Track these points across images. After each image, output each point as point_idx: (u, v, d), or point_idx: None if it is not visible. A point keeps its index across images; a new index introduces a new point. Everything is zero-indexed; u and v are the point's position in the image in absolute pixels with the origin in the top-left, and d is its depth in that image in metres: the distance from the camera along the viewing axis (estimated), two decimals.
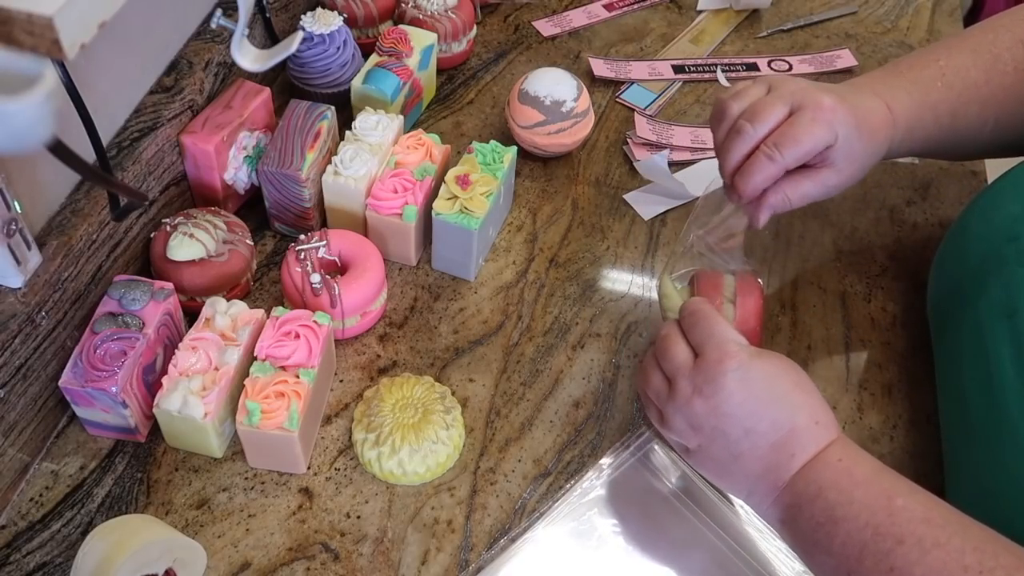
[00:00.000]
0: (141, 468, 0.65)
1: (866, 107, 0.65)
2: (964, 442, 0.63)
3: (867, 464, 0.54)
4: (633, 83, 0.97)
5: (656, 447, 0.68)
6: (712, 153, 0.90)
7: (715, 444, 0.56)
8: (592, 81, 0.96)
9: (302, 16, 0.84)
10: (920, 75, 0.69)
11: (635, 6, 1.06)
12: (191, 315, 0.68)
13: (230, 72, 0.80)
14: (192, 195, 0.79)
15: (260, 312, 0.67)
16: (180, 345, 0.64)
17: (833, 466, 0.53)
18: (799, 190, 0.65)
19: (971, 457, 0.62)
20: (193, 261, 0.70)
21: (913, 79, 0.69)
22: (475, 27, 0.96)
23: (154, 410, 0.63)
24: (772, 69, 0.99)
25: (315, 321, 0.66)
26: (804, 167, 0.65)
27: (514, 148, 0.79)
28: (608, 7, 1.06)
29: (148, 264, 0.73)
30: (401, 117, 0.80)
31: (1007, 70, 0.68)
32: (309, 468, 0.66)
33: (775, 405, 0.55)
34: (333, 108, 0.79)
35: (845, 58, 1.00)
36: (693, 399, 0.56)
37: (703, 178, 0.87)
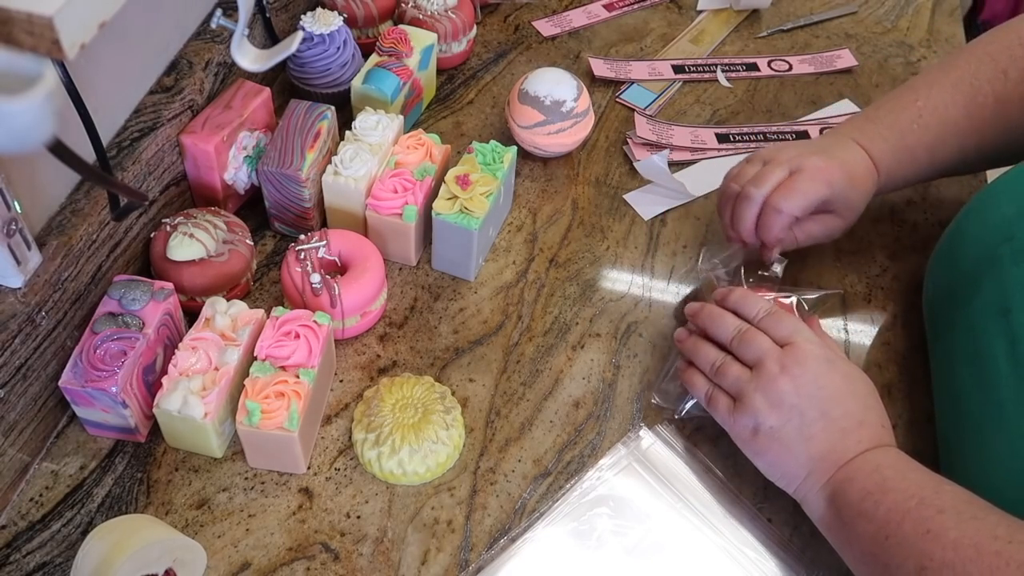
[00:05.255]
0: (141, 468, 0.65)
1: (852, 160, 0.72)
2: (959, 439, 0.64)
3: (920, 464, 0.58)
4: (633, 83, 0.97)
5: (656, 447, 0.68)
6: (712, 154, 0.90)
7: (790, 423, 0.60)
8: (592, 81, 0.96)
9: (302, 16, 0.84)
10: (897, 119, 0.74)
11: (635, 6, 1.06)
12: (191, 315, 0.68)
13: (230, 72, 0.80)
14: (192, 195, 0.79)
15: (260, 312, 0.67)
16: (180, 345, 0.64)
17: (892, 454, 0.59)
18: (804, 230, 0.73)
19: (966, 454, 0.62)
20: (193, 261, 0.70)
21: (890, 124, 0.74)
22: (475, 27, 0.96)
23: (154, 410, 0.63)
24: (772, 69, 0.99)
25: (315, 321, 0.66)
26: (809, 215, 0.72)
27: (514, 148, 0.79)
28: (608, 7, 1.06)
29: (148, 264, 0.73)
30: (401, 117, 0.80)
31: (986, 102, 0.71)
32: (309, 468, 0.66)
33: (850, 398, 0.60)
34: (333, 108, 0.79)
35: (845, 58, 1.00)
36: (779, 377, 0.60)
37: (703, 178, 0.88)
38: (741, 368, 0.63)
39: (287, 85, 0.89)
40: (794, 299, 0.72)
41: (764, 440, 0.61)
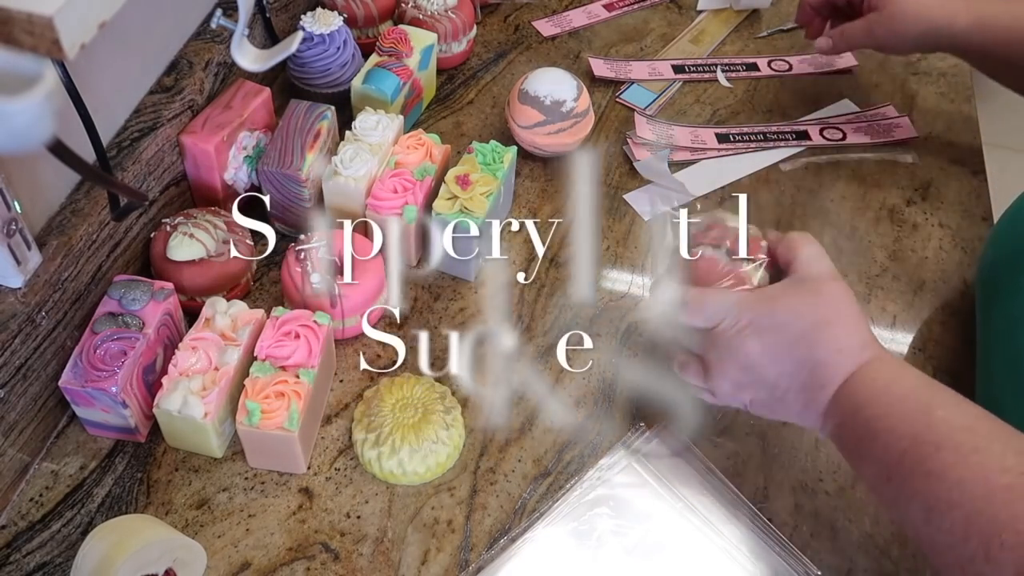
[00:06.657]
0: (141, 468, 0.65)
1: None
2: (1016, 402, 0.63)
3: (908, 380, 0.55)
4: (633, 83, 0.97)
5: (656, 447, 0.68)
6: (712, 154, 0.90)
7: (760, 394, 0.59)
8: (592, 81, 0.96)
9: (302, 16, 0.84)
10: None
11: (635, 6, 1.06)
12: (191, 315, 0.68)
13: (230, 72, 0.80)
14: (192, 195, 0.79)
15: (260, 312, 0.67)
16: (180, 345, 0.64)
17: (869, 385, 0.55)
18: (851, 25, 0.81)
19: None
20: (193, 261, 0.70)
21: None
22: (475, 27, 0.96)
23: (154, 410, 0.63)
24: (772, 69, 0.99)
25: (315, 321, 0.66)
26: None
27: (514, 148, 0.79)
28: (608, 7, 1.06)
29: (148, 264, 0.73)
30: (401, 117, 0.80)
31: None
32: (309, 468, 0.66)
33: (793, 347, 0.57)
34: (333, 108, 0.79)
35: (845, 58, 1.00)
36: (725, 366, 0.59)
37: (703, 178, 0.88)
38: (698, 362, 0.61)
39: (287, 85, 0.89)
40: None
41: (754, 409, 0.60)
